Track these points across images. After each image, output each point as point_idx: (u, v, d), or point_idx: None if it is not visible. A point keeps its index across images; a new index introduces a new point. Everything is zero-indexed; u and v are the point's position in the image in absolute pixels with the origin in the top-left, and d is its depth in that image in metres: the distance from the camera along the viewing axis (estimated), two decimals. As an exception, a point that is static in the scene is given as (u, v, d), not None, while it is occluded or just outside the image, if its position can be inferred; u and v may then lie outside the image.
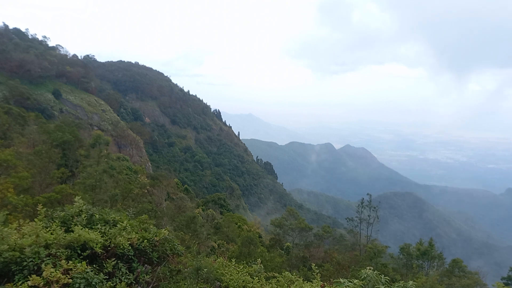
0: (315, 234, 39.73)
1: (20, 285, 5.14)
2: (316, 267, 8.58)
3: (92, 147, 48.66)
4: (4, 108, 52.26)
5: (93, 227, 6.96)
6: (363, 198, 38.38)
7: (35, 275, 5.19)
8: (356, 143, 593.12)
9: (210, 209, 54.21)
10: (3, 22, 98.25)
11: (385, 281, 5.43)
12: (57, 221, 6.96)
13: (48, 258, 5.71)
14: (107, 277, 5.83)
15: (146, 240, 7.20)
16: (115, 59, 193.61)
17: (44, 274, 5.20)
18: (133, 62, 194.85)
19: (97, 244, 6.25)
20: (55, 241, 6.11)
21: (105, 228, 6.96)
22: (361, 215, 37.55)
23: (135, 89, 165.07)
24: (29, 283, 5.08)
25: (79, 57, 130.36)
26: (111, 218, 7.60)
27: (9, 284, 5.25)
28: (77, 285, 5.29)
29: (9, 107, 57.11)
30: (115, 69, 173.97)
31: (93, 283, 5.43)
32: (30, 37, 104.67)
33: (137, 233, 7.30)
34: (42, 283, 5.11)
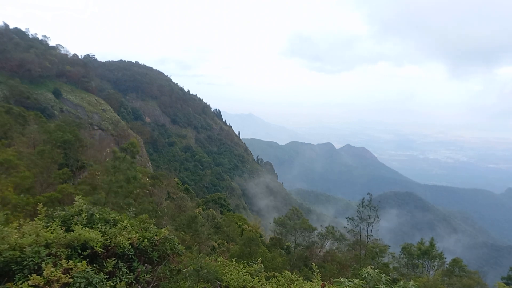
0: (318, 234, 39.64)
1: (21, 284, 5.13)
2: (317, 267, 8.58)
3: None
4: (4, 108, 52.25)
5: (93, 226, 6.95)
6: (363, 198, 38.31)
7: (35, 274, 5.18)
8: (356, 143, 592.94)
9: (211, 209, 54.21)
10: (3, 22, 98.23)
11: (386, 280, 5.41)
12: (57, 221, 6.95)
13: (48, 257, 5.70)
14: (108, 277, 5.82)
15: (146, 240, 7.18)
16: (115, 59, 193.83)
17: (44, 273, 5.20)
18: (133, 62, 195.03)
19: (97, 243, 6.24)
20: (55, 241, 6.10)
21: (105, 228, 6.95)
22: (361, 214, 37.48)
23: (135, 88, 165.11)
24: (30, 282, 5.07)
25: (79, 57, 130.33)
26: (111, 217, 7.59)
27: (9, 283, 5.24)
28: (77, 284, 5.29)
29: (10, 106, 57.09)
30: (115, 68, 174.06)
31: (94, 283, 5.42)
32: (30, 36, 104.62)
33: (137, 232, 7.29)
34: (43, 282, 5.10)
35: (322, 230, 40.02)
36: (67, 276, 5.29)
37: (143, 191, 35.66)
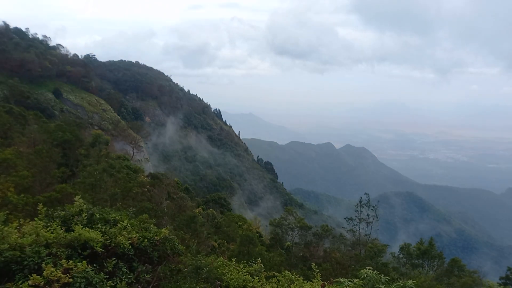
0: (314, 233, 39.71)
1: (21, 284, 5.15)
2: (316, 267, 8.59)
3: (92, 147, 48.59)
4: (4, 108, 52.26)
5: (93, 226, 6.97)
6: (361, 197, 38.37)
7: (35, 274, 5.20)
8: (356, 142, 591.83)
9: (211, 209, 54.19)
10: (3, 22, 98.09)
11: (385, 280, 5.44)
12: (57, 221, 6.97)
13: (48, 257, 5.72)
14: (108, 277, 5.83)
15: (146, 240, 7.20)
16: (115, 59, 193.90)
17: (44, 273, 5.21)
18: (134, 62, 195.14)
19: (97, 243, 6.26)
20: (55, 240, 6.12)
21: (105, 228, 6.97)
22: (360, 214, 37.52)
23: (135, 88, 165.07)
24: (30, 282, 5.09)
25: (80, 57, 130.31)
26: (112, 217, 7.61)
27: (9, 283, 5.26)
28: (77, 284, 5.30)
29: (10, 106, 57.11)
30: (115, 68, 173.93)
31: (94, 283, 5.43)
32: (30, 36, 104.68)
33: (137, 232, 7.31)
34: (43, 282, 5.11)
35: (318, 229, 40.09)
36: (67, 276, 5.31)
37: (142, 189, 35.70)
